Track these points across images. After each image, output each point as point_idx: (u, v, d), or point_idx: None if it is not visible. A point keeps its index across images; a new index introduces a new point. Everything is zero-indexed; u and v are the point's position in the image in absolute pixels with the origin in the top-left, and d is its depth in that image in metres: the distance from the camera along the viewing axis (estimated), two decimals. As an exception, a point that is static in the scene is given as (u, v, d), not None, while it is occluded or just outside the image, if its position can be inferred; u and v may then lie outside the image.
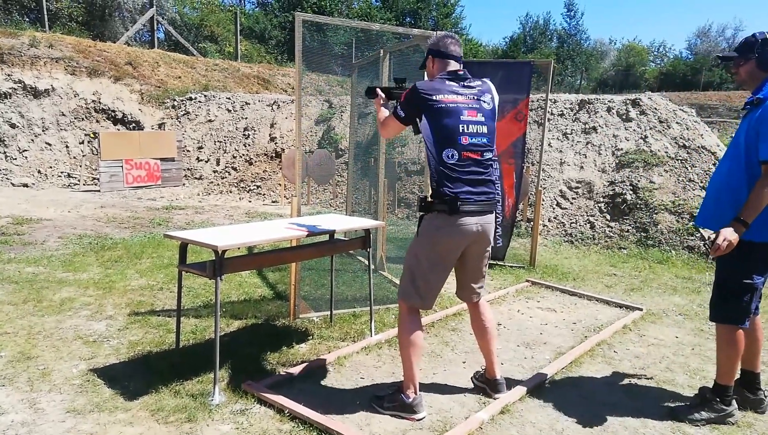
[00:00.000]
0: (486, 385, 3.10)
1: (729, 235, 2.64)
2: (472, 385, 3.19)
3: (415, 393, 2.84)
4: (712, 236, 2.66)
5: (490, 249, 2.95)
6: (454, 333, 4.06)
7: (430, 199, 2.77)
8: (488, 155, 2.78)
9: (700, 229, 6.77)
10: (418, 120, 2.75)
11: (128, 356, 3.44)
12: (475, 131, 2.72)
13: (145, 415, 2.75)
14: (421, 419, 2.82)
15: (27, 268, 5.27)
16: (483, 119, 2.76)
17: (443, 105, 2.67)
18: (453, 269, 2.94)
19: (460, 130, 2.68)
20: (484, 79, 2.91)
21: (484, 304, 3.06)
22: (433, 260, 2.81)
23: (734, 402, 2.91)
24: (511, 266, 6.04)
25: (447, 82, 2.76)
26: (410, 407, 2.82)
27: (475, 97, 2.77)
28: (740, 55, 2.85)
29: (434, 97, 2.67)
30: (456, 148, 2.68)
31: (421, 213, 2.83)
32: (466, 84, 2.78)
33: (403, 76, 3.13)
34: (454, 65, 2.82)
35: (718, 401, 2.91)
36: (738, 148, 2.79)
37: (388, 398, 2.90)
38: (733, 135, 2.91)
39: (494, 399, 3.02)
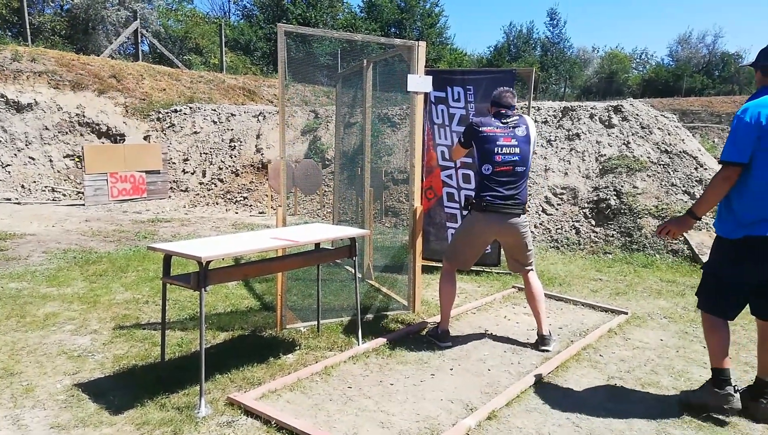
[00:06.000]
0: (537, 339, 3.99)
1: (672, 223, 3.02)
2: (459, 392, 3.21)
3: (445, 328, 3.97)
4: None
5: (524, 240, 3.84)
6: (441, 340, 4.07)
7: (473, 201, 3.83)
8: (519, 169, 3.72)
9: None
10: (473, 143, 3.82)
11: (113, 370, 3.41)
12: (508, 152, 3.70)
13: (130, 429, 2.73)
14: (445, 348, 3.87)
15: (10, 284, 5.21)
16: (516, 143, 3.72)
17: (484, 134, 3.75)
18: (503, 251, 4.13)
19: (495, 151, 3.69)
20: (522, 116, 3.86)
21: (533, 276, 3.96)
22: (467, 240, 3.90)
23: (730, 389, 2.90)
24: (498, 273, 6.07)
25: (492, 119, 3.82)
26: (440, 337, 3.95)
27: (512, 128, 3.75)
28: (754, 63, 2.96)
29: (481, 130, 3.76)
30: (491, 163, 3.70)
31: (467, 208, 3.88)
32: (501, 119, 3.79)
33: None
34: (505, 111, 3.84)
35: (711, 385, 2.96)
36: None
37: (431, 330, 4.10)
38: None
39: (540, 351, 3.86)
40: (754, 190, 2.78)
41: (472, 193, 5.84)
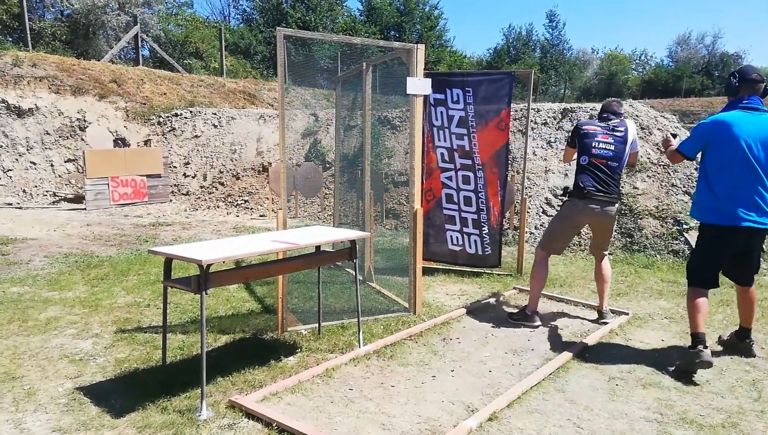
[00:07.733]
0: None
1: (667, 144, 3.99)
2: (460, 393, 3.21)
3: (534, 309, 4.42)
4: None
5: (612, 226, 4.47)
6: (443, 342, 4.07)
7: (571, 190, 4.38)
8: (613, 164, 4.28)
9: (684, 234, 6.85)
10: (576, 141, 4.42)
11: (115, 374, 3.42)
12: (603, 147, 4.29)
13: (132, 433, 2.73)
14: (537, 326, 4.34)
15: (12, 288, 5.22)
16: (612, 141, 4.30)
17: (585, 131, 4.38)
18: (591, 234, 4.79)
19: (593, 145, 4.29)
20: (623, 119, 4.42)
21: (606, 260, 4.59)
22: (563, 227, 4.48)
23: (701, 348, 3.43)
24: (499, 274, 6.07)
25: (596, 120, 4.49)
26: (530, 318, 4.38)
27: (611, 128, 4.34)
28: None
29: (583, 128, 4.41)
30: (588, 155, 4.29)
31: (564, 197, 4.44)
32: (604, 121, 4.40)
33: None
34: (607, 115, 4.45)
35: (689, 347, 3.57)
36: None
37: (516, 314, 4.51)
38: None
39: (600, 325, 4.44)
40: (713, 188, 3.56)
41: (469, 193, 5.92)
